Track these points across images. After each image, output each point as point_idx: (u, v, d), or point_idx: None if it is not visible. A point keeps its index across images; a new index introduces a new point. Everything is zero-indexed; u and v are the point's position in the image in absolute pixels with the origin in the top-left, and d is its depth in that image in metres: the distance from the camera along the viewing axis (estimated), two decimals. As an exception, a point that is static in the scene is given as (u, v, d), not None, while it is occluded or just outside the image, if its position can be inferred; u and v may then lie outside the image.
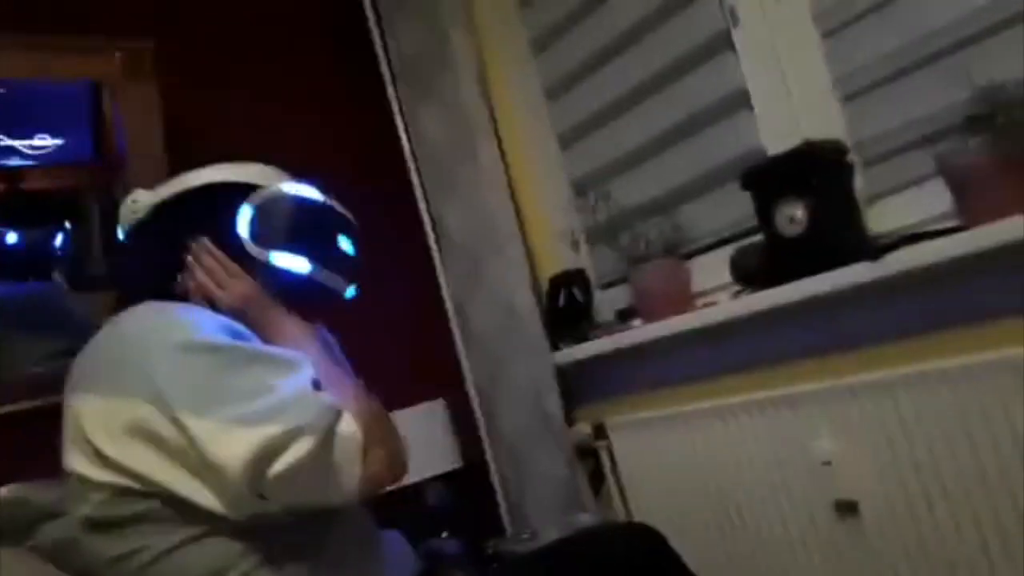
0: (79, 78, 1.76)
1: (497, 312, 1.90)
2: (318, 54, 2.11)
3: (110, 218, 1.28)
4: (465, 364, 2.05)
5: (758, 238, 1.48)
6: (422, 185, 2.08)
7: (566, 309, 1.85)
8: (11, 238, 1.63)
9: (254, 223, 1.08)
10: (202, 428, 0.87)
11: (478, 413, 2.03)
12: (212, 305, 1.07)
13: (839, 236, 1.34)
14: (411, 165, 2.09)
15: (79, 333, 1.04)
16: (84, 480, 0.94)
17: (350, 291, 1.16)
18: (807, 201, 1.35)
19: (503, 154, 1.91)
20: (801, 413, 1.39)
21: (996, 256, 1.16)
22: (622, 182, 1.79)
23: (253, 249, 1.07)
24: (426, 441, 1.79)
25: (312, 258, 1.10)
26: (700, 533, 1.57)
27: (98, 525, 0.94)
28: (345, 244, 1.15)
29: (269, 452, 0.86)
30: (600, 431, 1.79)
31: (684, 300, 1.65)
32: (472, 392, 2.04)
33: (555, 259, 1.94)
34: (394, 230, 2.06)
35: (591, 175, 1.86)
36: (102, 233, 1.73)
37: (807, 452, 1.38)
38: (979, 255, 1.17)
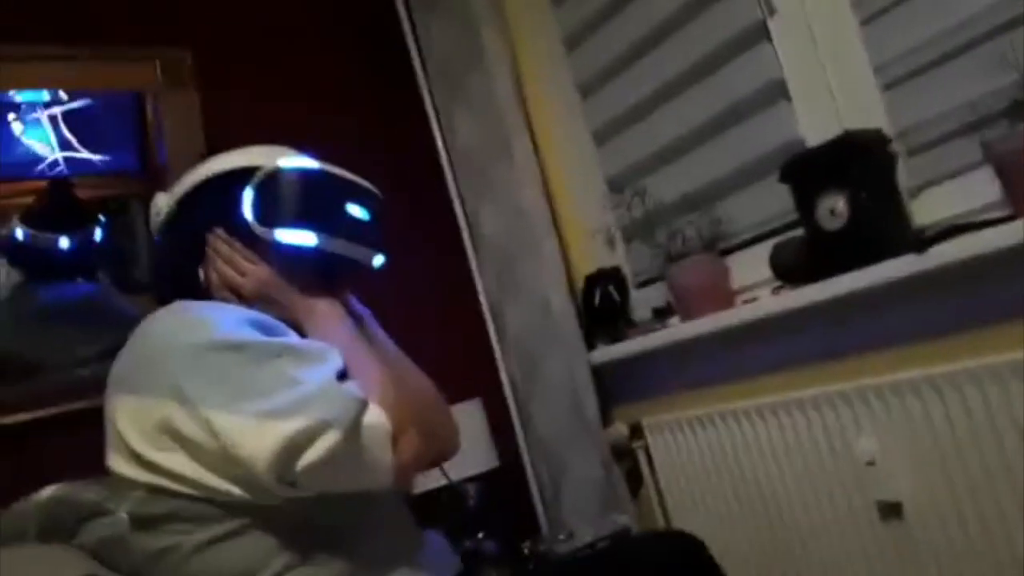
0: (121, 88, 1.80)
1: (533, 311, 1.89)
2: (352, 57, 2.13)
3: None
4: (501, 363, 2.05)
5: (798, 232, 1.45)
6: (456, 184, 2.08)
7: (602, 308, 1.83)
8: (63, 243, 1.69)
9: (256, 205, 1.05)
10: (228, 424, 0.88)
11: (514, 413, 2.03)
12: (239, 295, 1.07)
13: (882, 229, 1.30)
14: (445, 165, 2.10)
15: (126, 333, 1.06)
16: (122, 479, 0.96)
17: (377, 260, 1.12)
18: (848, 193, 1.31)
19: (537, 152, 1.90)
20: (843, 412, 1.36)
21: (1048, 247, 1.12)
22: (658, 178, 1.76)
23: (259, 230, 1.05)
24: (463, 441, 1.78)
25: (318, 229, 1.06)
26: (739, 535, 1.54)
27: (139, 522, 0.96)
28: (356, 210, 1.10)
29: (295, 446, 0.86)
30: (637, 431, 1.77)
31: (723, 297, 1.62)
32: (508, 392, 2.04)
33: (590, 257, 1.92)
34: (429, 229, 2.07)
35: (626, 171, 1.84)
36: (146, 238, 1.78)
37: (850, 452, 1.34)
38: (1030, 246, 1.13)
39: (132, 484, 0.95)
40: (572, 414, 1.83)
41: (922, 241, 1.24)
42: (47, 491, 1.23)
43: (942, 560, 1.25)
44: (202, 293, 1.08)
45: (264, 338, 0.96)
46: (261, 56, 1.99)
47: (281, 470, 0.87)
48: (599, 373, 1.82)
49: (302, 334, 1.04)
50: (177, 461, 0.91)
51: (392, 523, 1.06)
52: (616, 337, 1.79)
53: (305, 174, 1.09)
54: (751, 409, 1.51)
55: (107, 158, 1.77)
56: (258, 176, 1.06)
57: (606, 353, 1.80)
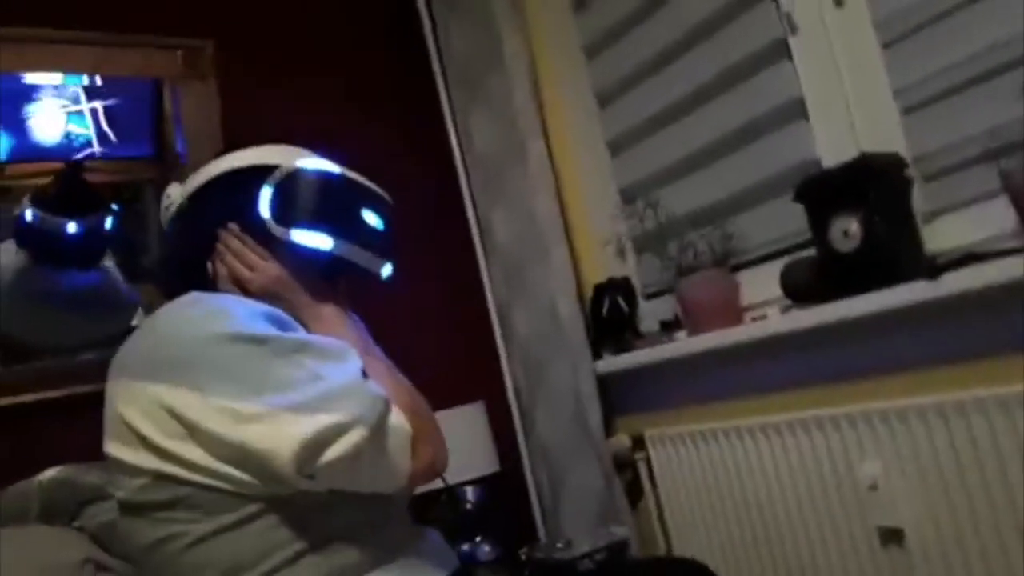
0: (142, 75, 1.81)
1: (540, 317, 1.89)
2: (372, 55, 2.14)
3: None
4: (506, 367, 2.05)
5: (810, 252, 1.44)
6: (470, 186, 2.09)
7: (609, 317, 1.82)
8: (71, 227, 1.69)
9: (273, 203, 1.05)
10: (246, 415, 0.87)
11: (516, 418, 2.02)
12: (244, 290, 1.07)
13: (895, 253, 1.29)
14: (460, 166, 2.10)
15: (132, 319, 1.06)
16: (122, 465, 0.95)
17: (386, 269, 1.12)
18: (862, 216, 1.31)
19: (552, 158, 1.90)
20: (848, 435, 1.35)
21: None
22: (672, 190, 1.76)
23: (276, 229, 1.05)
24: (464, 444, 1.79)
25: (335, 233, 1.06)
26: (738, 552, 1.53)
27: (135, 509, 0.96)
28: (372, 218, 1.11)
29: (321, 441, 0.87)
30: (639, 443, 1.77)
31: (731, 313, 1.62)
32: (511, 396, 2.03)
33: (600, 266, 1.92)
34: (441, 230, 2.08)
35: (640, 182, 1.84)
36: (158, 227, 1.78)
37: (853, 475, 1.34)
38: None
39: (134, 470, 0.94)
40: (575, 422, 1.83)
41: (935, 268, 1.23)
42: (50, 472, 1.24)
43: (942, 589, 1.24)
44: (210, 285, 1.08)
45: (283, 333, 0.96)
46: (281, 50, 2.00)
47: (303, 463, 0.87)
48: (604, 383, 1.82)
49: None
50: (187, 449, 0.91)
51: (397, 517, 1.06)
52: (622, 347, 1.79)
53: (325, 177, 1.09)
54: (755, 427, 1.51)
55: (124, 144, 1.78)
56: (277, 175, 1.07)
57: (612, 363, 1.80)
